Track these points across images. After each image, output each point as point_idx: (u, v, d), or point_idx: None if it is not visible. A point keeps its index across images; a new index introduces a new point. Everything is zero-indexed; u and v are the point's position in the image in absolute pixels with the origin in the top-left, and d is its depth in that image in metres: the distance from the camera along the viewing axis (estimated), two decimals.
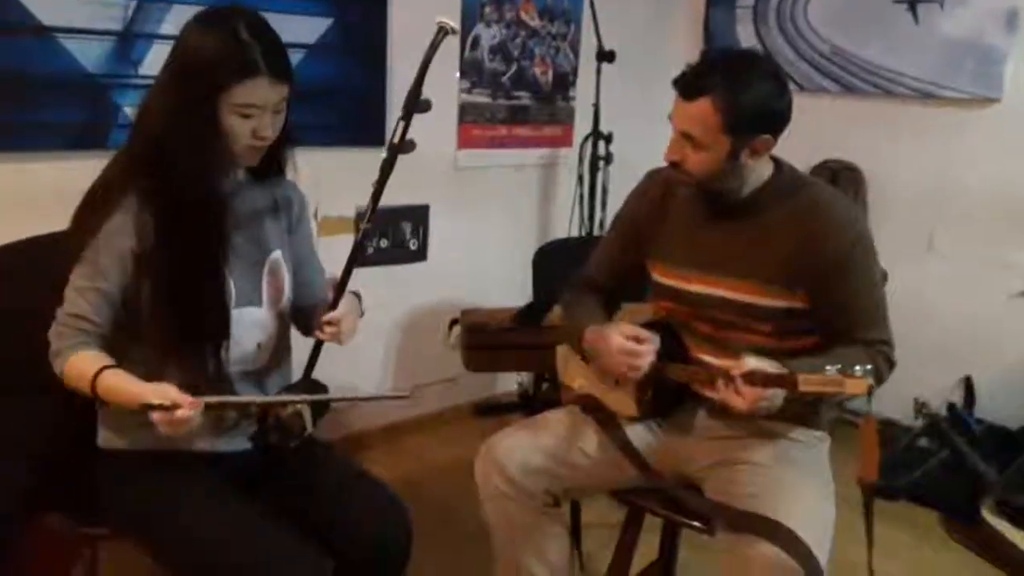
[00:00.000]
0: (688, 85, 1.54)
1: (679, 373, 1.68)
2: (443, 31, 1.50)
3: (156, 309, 1.42)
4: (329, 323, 1.52)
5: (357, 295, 1.64)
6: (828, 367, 1.37)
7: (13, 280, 1.63)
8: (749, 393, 1.45)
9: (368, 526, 1.52)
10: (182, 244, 1.41)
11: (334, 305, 1.54)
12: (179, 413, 1.30)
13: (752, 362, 1.47)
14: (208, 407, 1.36)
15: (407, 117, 1.49)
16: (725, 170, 1.57)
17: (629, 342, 1.62)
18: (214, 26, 1.37)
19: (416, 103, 1.49)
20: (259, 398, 1.54)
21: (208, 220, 1.44)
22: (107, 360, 1.40)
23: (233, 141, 1.40)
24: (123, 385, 1.37)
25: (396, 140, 1.49)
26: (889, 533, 2.58)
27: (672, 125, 1.59)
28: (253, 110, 1.38)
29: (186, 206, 1.41)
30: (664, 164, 1.64)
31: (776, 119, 1.56)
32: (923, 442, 2.93)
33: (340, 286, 1.54)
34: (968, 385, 3.13)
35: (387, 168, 1.51)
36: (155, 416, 1.31)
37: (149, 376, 1.42)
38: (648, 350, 1.63)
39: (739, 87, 1.50)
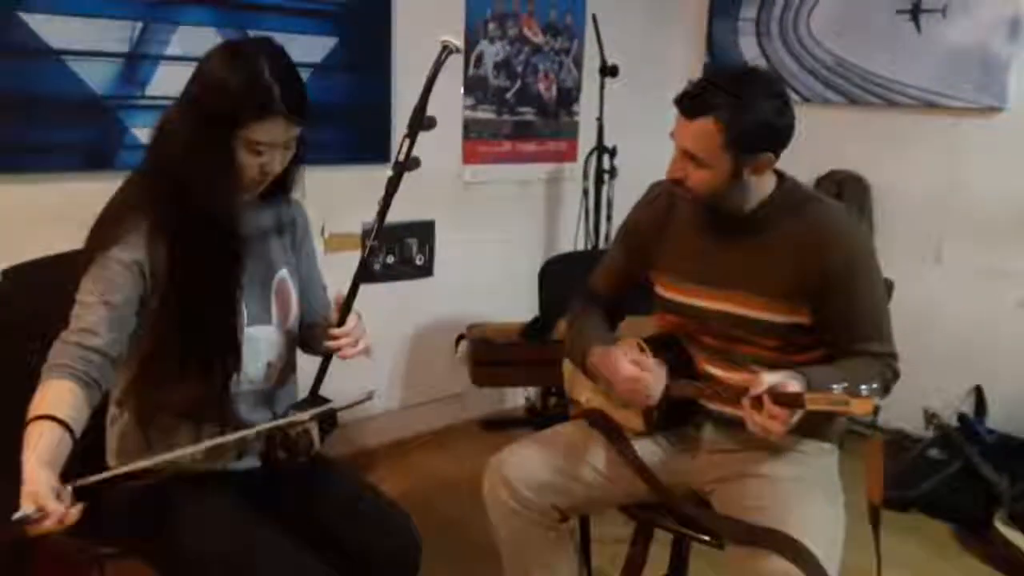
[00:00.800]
0: (690, 104, 1.54)
1: (685, 391, 1.68)
2: (447, 50, 1.52)
3: (168, 333, 1.42)
4: (337, 337, 1.51)
5: (357, 314, 1.63)
6: (835, 386, 1.36)
7: (20, 300, 1.64)
8: (779, 413, 1.40)
9: (376, 542, 1.52)
10: (197, 269, 1.42)
11: (341, 323, 1.53)
12: (47, 523, 1.12)
13: (770, 378, 1.43)
14: (79, 495, 1.18)
15: (412, 135, 1.50)
16: (727, 187, 1.57)
17: (636, 369, 1.62)
18: (239, 62, 1.37)
19: (421, 121, 1.50)
20: (192, 448, 1.39)
21: (222, 246, 1.44)
22: (59, 409, 1.24)
23: (242, 174, 1.42)
24: (26, 450, 1.19)
25: (401, 158, 1.50)
26: (900, 545, 2.56)
27: (674, 143, 1.59)
28: (265, 147, 1.40)
29: (201, 232, 1.41)
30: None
31: (778, 137, 1.56)
32: (934, 453, 2.90)
33: (347, 303, 1.54)
34: (979, 395, 3.11)
35: (393, 186, 1.52)
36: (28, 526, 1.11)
37: (161, 396, 1.42)
38: (657, 378, 1.63)
39: (741, 106, 1.50)
